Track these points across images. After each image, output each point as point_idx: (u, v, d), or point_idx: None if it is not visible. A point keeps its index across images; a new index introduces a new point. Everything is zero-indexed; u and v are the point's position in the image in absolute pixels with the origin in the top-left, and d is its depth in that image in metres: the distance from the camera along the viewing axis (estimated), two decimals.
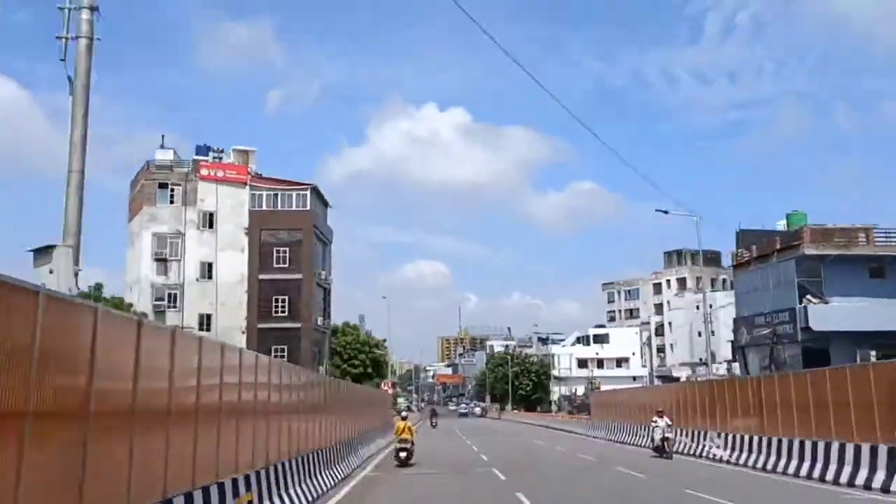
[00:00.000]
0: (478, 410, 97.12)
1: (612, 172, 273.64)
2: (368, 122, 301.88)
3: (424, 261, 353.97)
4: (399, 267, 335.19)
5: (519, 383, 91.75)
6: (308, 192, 56.62)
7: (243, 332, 52.18)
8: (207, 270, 54.49)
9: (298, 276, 54.27)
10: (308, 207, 56.15)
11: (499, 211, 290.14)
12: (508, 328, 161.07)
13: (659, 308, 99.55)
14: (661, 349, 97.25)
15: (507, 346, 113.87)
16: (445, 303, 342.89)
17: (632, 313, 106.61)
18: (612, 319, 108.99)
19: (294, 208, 56.04)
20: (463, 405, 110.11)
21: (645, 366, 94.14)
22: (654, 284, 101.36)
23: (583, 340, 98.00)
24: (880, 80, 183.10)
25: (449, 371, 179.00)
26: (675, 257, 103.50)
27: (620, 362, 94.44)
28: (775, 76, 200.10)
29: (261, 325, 52.99)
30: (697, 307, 66.78)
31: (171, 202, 54.81)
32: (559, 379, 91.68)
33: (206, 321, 53.33)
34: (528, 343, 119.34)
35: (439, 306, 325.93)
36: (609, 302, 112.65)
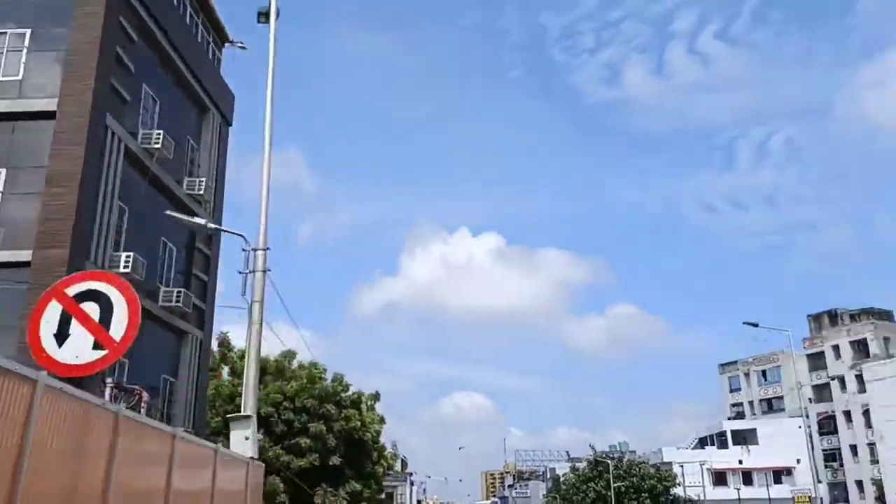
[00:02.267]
0: None
1: (651, 295, 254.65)
2: (401, 250, 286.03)
3: (463, 392, 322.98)
4: (438, 400, 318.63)
5: None
6: None
7: None
8: None
9: None
10: None
11: (539, 338, 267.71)
12: (567, 452, 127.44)
13: (822, 392, 67.08)
14: (832, 455, 63.77)
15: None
16: (488, 437, 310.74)
17: (771, 405, 73.77)
18: (738, 416, 76.20)
19: None
20: None
21: (820, 481, 61.06)
22: (810, 356, 69.27)
23: (712, 441, 65.24)
24: None
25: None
26: (826, 319, 72.55)
27: (780, 475, 61.26)
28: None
29: None
30: None
31: None
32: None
33: None
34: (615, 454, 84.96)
35: (482, 440, 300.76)
36: (733, 391, 79.90)
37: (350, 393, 30.92)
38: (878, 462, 60.49)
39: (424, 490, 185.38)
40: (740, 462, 60.10)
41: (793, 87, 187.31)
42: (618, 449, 58.79)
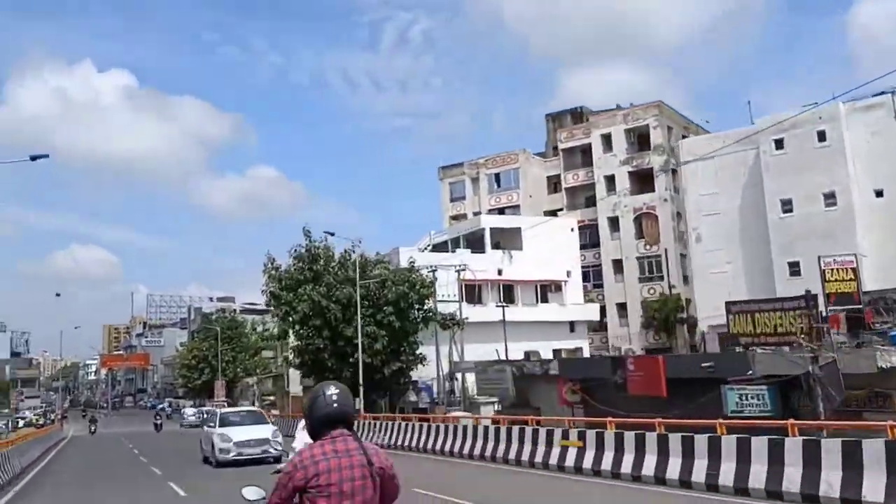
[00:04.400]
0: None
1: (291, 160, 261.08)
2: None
3: (82, 246, 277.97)
4: (50, 254, 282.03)
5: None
6: None
7: None
8: None
9: None
10: None
11: (168, 194, 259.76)
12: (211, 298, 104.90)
13: (576, 197, 53.60)
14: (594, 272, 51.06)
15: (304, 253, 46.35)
16: (112, 293, 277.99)
17: (503, 214, 58.53)
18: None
19: None
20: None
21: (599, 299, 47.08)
22: (566, 151, 54.99)
23: (458, 244, 46.92)
24: None
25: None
26: (569, 119, 59.32)
27: (546, 291, 45.69)
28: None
29: None
30: None
31: None
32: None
33: None
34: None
35: (105, 296, 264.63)
36: (455, 200, 63.25)
37: None
38: (653, 278, 48.66)
39: (27, 342, 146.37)
40: (500, 273, 43.69)
41: None
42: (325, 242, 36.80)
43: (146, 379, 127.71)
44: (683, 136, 51.44)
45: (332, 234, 35.03)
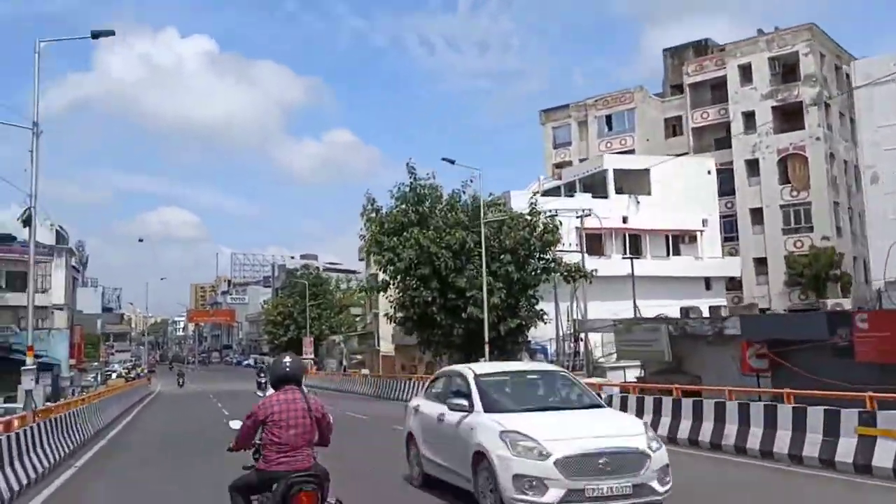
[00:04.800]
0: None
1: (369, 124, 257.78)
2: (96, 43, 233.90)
3: (169, 208, 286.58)
4: (140, 215, 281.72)
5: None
6: None
7: None
8: None
9: None
10: None
11: (249, 157, 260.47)
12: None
13: (703, 137, 47.16)
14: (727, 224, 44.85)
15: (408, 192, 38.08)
16: (197, 254, 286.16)
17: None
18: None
19: None
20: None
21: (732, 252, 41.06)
22: (692, 87, 48.49)
23: (573, 189, 41.09)
24: None
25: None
26: (691, 52, 52.60)
27: (678, 242, 39.78)
28: None
29: None
30: None
31: None
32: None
33: None
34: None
35: (190, 258, 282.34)
36: (559, 146, 57.46)
37: None
38: (800, 229, 42.00)
39: (118, 298, 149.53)
40: (625, 220, 37.93)
41: None
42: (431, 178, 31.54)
43: (231, 336, 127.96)
44: (836, 68, 44.05)
45: (453, 162, 29.36)
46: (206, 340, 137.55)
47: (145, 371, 75.16)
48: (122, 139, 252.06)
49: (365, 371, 54.00)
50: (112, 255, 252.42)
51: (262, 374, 36.46)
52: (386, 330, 54.82)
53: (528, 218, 30.39)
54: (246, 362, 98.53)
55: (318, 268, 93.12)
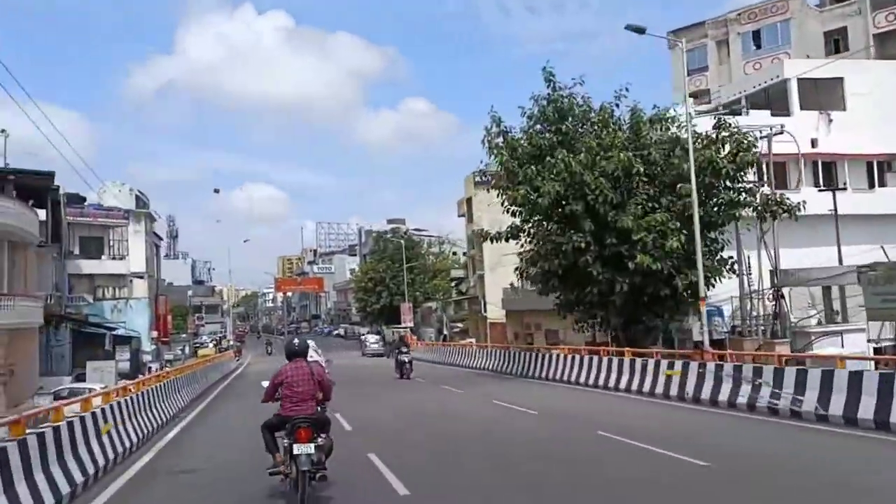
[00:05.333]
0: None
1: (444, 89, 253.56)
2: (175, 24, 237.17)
3: (253, 184, 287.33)
4: (226, 193, 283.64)
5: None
6: None
7: None
8: None
9: None
10: None
11: (329, 130, 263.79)
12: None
13: None
14: None
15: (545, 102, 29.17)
16: (282, 229, 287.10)
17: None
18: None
19: None
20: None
21: None
22: None
23: (732, 110, 32.28)
24: None
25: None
26: None
27: (884, 171, 30.75)
28: None
29: None
30: None
31: None
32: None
33: None
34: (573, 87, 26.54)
35: (275, 232, 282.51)
36: (693, 72, 48.46)
37: None
38: None
39: (209, 271, 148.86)
40: (814, 144, 29.35)
41: None
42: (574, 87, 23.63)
43: (319, 305, 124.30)
44: None
45: (643, 31, 19.71)
46: (294, 311, 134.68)
47: (230, 342, 70.63)
48: (204, 119, 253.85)
49: (470, 339, 47.32)
50: (200, 234, 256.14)
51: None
52: (494, 293, 47.80)
53: (713, 135, 22.49)
54: (336, 332, 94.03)
55: (407, 230, 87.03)
